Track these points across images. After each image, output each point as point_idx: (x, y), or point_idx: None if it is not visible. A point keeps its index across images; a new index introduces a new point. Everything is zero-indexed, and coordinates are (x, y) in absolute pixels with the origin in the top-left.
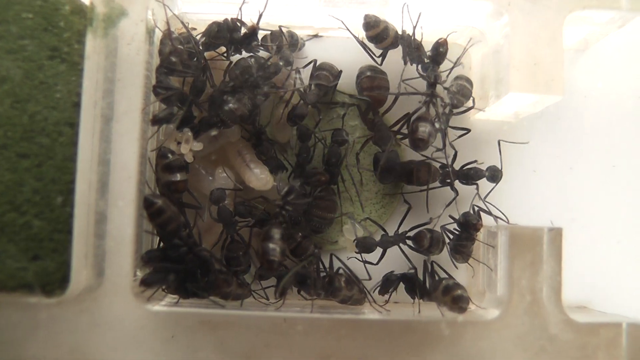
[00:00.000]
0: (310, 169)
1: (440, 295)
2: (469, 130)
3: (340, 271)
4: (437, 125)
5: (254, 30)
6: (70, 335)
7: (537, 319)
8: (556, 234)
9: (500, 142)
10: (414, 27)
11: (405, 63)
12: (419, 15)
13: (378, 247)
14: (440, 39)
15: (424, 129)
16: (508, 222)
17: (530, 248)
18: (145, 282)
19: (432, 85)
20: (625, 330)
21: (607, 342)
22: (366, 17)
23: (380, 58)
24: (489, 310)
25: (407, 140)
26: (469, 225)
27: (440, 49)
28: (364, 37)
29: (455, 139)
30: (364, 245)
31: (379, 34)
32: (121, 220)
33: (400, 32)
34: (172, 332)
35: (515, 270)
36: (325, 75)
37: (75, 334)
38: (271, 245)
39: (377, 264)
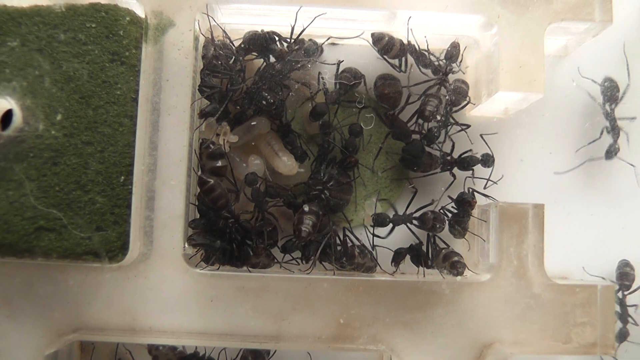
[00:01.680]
0: (342, 156)
1: (441, 261)
2: (469, 126)
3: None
4: (441, 112)
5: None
6: (125, 297)
7: (522, 280)
8: (539, 209)
9: (482, 135)
10: (407, 36)
11: (419, 67)
12: (408, 25)
13: (390, 224)
14: (454, 41)
15: (431, 107)
16: (497, 201)
17: (517, 221)
18: (191, 241)
19: (445, 73)
20: (599, 291)
21: (584, 301)
22: (372, 34)
23: (398, 65)
24: (482, 274)
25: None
26: (464, 203)
27: (454, 49)
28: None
29: (456, 132)
30: (379, 220)
31: (385, 46)
32: (173, 196)
33: (405, 42)
34: (211, 296)
35: (504, 240)
36: (347, 76)
37: (130, 296)
38: (306, 218)
39: (385, 237)
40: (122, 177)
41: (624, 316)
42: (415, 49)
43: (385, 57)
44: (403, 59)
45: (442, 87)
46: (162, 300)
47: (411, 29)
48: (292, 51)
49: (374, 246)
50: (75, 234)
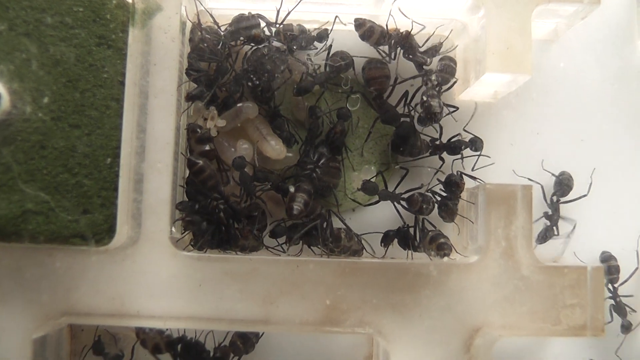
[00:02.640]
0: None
1: (427, 244)
2: (457, 108)
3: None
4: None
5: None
6: (112, 281)
7: (510, 262)
8: (527, 190)
9: (465, 129)
10: (387, 22)
11: (390, 56)
12: (391, 10)
13: (378, 198)
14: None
15: (435, 103)
16: (485, 183)
17: (504, 202)
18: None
19: (421, 65)
20: (589, 272)
21: (573, 283)
22: (355, 19)
23: (387, 52)
24: (471, 256)
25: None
26: (452, 185)
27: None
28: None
29: (447, 114)
30: (368, 187)
31: (365, 33)
32: (161, 180)
33: (387, 30)
34: (200, 281)
35: (492, 221)
36: (336, 59)
37: (118, 280)
38: (298, 196)
39: (365, 205)
40: (109, 159)
41: (621, 309)
42: (398, 37)
43: (372, 44)
44: (389, 46)
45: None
46: (150, 284)
47: (392, 16)
48: (274, 35)
49: (355, 233)
50: (63, 217)
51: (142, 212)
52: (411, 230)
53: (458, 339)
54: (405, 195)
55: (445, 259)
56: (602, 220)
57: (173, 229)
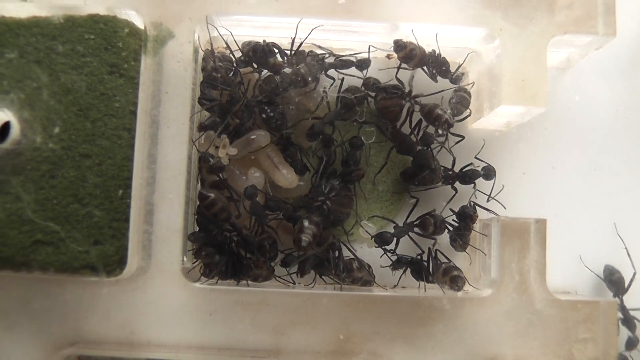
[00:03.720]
0: (346, 168)
1: (441, 276)
2: (463, 137)
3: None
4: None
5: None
6: (123, 311)
7: (524, 296)
8: (541, 224)
9: (477, 157)
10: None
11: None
12: (415, 36)
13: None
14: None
15: (441, 112)
16: (499, 215)
17: (518, 236)
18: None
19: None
20: (601, 307)
21: (585, 317)
22: (395, 41)
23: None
24: (484, 289)
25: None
26: (466, 216)
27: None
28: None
29: (454, 145)
30: (382, 239)
31: (406, 55)
32: (172, 210)
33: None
34: (210, 311)
35: (506, 255)
36: (349, 96)
37: (128, 310)
38: (307, 228)
39: (394, 251)
40: (120, 191)
41: (630, 322)
42: (437, 58)
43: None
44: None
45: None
46: (161, 315)
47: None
48: (289, 64)
49: (366, 263)
50: (73, 248)
51: (153, 243)
52: (424, 261)
53: None
54: (417, 222)
55: (459, 292)
56: (617, 250)
57: (184, 259)
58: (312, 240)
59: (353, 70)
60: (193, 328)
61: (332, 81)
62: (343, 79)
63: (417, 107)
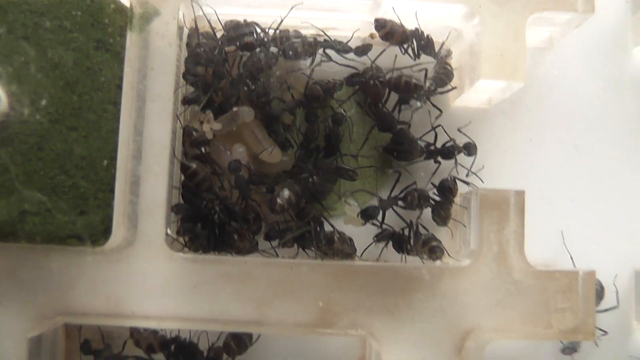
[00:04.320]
0: (344, 166)
1: (420, 247)
2: (441, 111)
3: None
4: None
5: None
6: (108, 282)
7: (503, 266)
8: (520, 196)
9: (459, 129)
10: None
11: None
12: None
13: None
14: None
15: (407, 79)
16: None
17: (497, 207)
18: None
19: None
20: (581, 277)
21: (564, 287)
22: (376, 20)
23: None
24: (463, 260)
25: None
26: (446, 189)
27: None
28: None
29: (435, 121)
30: (368, 214)
31: (386, 33)
32: (157, 182)
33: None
34: (195, 283)
35: (485, 226)
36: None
37: (113, 281)
38: (284, 193)
39: (381, 225)
40: (106, 162)
41: None
42: (421, 36)
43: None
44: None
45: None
46: (145, 286)
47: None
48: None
49: (348, 237)
50: (59, 218)
51: (138, 214)
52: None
53: (450, 342)
54: (401, 195)
55: (438, 262)
56: (595, 227)
57: (168, 231)
58: (286, 206)
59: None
60: (177, 300)
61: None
62: (313, 70)
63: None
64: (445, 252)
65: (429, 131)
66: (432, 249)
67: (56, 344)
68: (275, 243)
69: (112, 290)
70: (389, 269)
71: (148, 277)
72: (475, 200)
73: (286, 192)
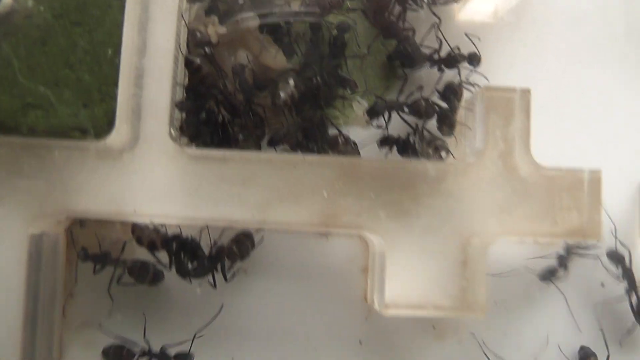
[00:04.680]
0: (345, 76)
1: (425, 146)
2: (440, 20)
3: None
4: None
5: None
6: (110, 184)
7: (509, 163)
8: (526, 93)
9: (466, 34)
10: None
11: None
12: None
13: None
14: None
15: None
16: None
17: (503, 104)
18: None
19: None
20: (586, 175)
21: (570, 186)
22: None
23: None
24: (469, 158)
25: None
26: (451, 92)
27: None
28: None
29: (438, 28)
30: (376, 110)
31: None
32: (161, 79)
33: None
34: (197, 185)
35: (490, 123)
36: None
37: (115, 182)
38: (289, 85)
39: (387, 126)
40: (110, 52)
41: None
42: None
43: None
44: None
45: None
46: (148, 187)
47: None
48: None
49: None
50: (62, 111)
51: (142, 109)
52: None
53: (454, 238)
54: (409, 102)
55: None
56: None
57: (172, 131)
58: (288, 99)
59: None
60: (180, 202)
61: None
62: None
63: None
64: (451, 153)
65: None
66: (438, 147)
67: (57, 253)
68: (279, 149)
69: (114, 190)
70: (393, 164)
71: (150, 178)
72: (480, 100)
73: (291, 82)
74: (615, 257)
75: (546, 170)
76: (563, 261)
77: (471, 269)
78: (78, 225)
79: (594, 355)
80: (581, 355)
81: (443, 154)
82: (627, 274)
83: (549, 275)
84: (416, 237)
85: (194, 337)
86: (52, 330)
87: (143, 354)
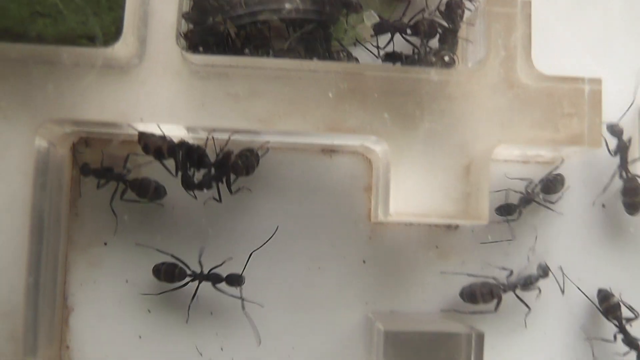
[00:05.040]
0: None
1: (432, 57)
2: None
3: None
4: None
5: None
6: (117, 98)
7: (510, 70)
8: (527, 4)
9: None
10: None
11: None
12: None
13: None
14: None
15: None
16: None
17: (504, 14)
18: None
19: None
20: (587, 82)
21: (571, 92)
22: None
23: None
24: (471, 65)
25: None
26: (453, 5)
27: None
28: None
29: None
30: (382, 27)
31: None
32: None
33: None
34: (203, 101)
35: (492, 32)
36: None
37: (122, 96)
38: None
39: (384, 47)
40: None
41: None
42: None
43: None
44: None
45: None
46: (154, 102)
47: None
48: None
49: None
50: (70, 18)
51: (149, 18)
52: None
53: (457, 143)
54: (411, 23)
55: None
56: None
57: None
58: (294, 14)
59: None
60: (186, 118)
61: None
62: None
63: None
64: (457, 60)
65: None
66: (444, 56)
67: (62, 171)
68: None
69: (120, 104)
70: (397, 69)
71: (157, 93)
72: (482, 9)
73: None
74: (614, 130)
75: (547, 77)
76: (522, 204)
77: (474, 174)
78: (84, 144)
79: (613, 295)
80: (600, 298)
81: (450, 62)
82: (621, 148)
83: (504, 212)
84: (420, 142)
85: (249, 257)
86: (57, 249)
87: (194, 275)
